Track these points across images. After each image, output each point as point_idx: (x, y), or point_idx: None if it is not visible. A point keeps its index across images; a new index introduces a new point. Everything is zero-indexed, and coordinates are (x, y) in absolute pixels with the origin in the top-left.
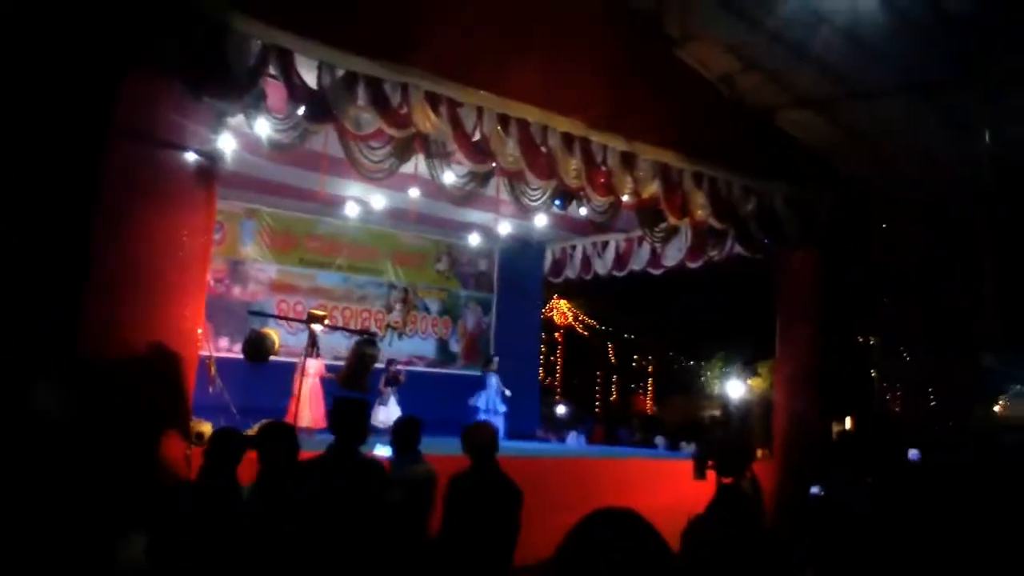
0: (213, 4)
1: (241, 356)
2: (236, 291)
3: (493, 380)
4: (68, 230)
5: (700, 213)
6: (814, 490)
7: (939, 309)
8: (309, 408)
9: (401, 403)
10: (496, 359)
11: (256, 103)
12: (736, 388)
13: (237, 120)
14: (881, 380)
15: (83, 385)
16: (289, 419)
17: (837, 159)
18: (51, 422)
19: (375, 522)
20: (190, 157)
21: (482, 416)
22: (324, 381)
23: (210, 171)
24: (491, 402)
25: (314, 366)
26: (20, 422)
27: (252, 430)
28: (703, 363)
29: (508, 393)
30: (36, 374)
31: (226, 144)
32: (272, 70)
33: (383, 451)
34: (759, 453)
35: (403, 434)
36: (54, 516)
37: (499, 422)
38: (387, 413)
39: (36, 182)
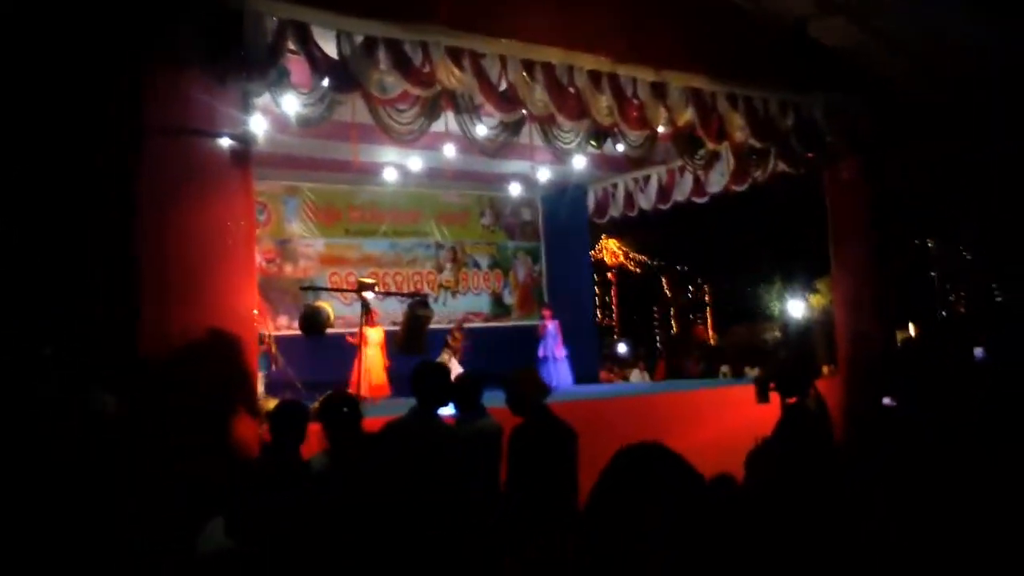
0: None
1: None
2: (288, 269)
3: (549, 327)
4: (111, 231)
5: (739, 135)
6: (886, 401)
7: (993, 204)
8: (371, 376)
9: (463, 360)
10: (545, 310)
11: (280, 80)
12: (797, 307)
13: (265, 100)
14: (942, 282)
15: (148, 381)
16: (352, 389)
17: (873, 66)
18: (120, 421)
19: (448, 481)
20: (224, 142)
21: (542, 365)
22: (386, 348)
23: (245, 154)
24: (549, 349)
25: (372, 335)
26: (89, 422)
27: (317, 403)
28: (761, 286)
29: (562, 352)
30: (100, 375)
31: (258, 125)
32: (292, 45)
33: (447, 409)
34: (825, 370)
35: (465, 390)
36: (137, 507)
37: (562, 368)
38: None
39: (70, 185)
